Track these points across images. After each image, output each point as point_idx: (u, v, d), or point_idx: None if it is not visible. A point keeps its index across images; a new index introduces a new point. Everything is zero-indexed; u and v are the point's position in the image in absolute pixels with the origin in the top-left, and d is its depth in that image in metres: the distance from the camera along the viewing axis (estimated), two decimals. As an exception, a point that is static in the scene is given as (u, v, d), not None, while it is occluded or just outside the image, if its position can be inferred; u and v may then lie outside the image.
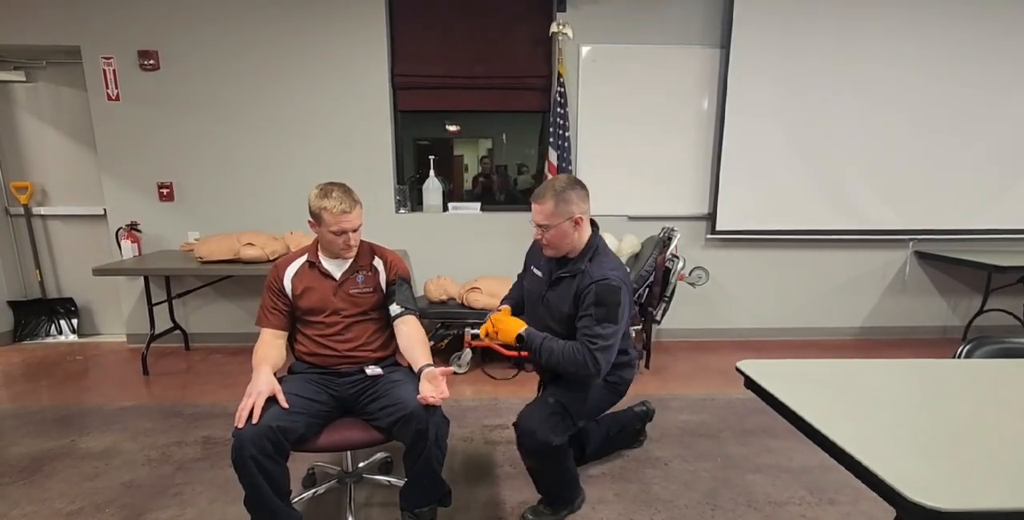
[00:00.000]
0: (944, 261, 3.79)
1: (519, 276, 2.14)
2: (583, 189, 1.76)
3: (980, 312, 3.88)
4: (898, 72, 3.60)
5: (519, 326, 1.77)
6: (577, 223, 1.73)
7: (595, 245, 1.80)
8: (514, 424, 1.80)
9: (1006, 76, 3.63)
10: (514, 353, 1.79)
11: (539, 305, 1.90)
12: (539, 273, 1.91)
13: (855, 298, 4.03)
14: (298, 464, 2.04)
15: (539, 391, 2.11)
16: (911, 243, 3.92)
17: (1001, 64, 3.62)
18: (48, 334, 3.97)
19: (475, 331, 3.26)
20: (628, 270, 1.87)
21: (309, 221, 1.77)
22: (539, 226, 1.74)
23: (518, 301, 2.06)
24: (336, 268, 1.85)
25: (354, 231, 1.76)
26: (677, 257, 3.23)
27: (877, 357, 1.43)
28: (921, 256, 3.94)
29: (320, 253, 1.86)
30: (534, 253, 1.99)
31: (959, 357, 1.48)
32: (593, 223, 1.85)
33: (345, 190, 1.74)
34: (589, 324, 1.67)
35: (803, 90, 3.61)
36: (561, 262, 1.83)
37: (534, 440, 1.72)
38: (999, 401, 1.19)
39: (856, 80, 3.60)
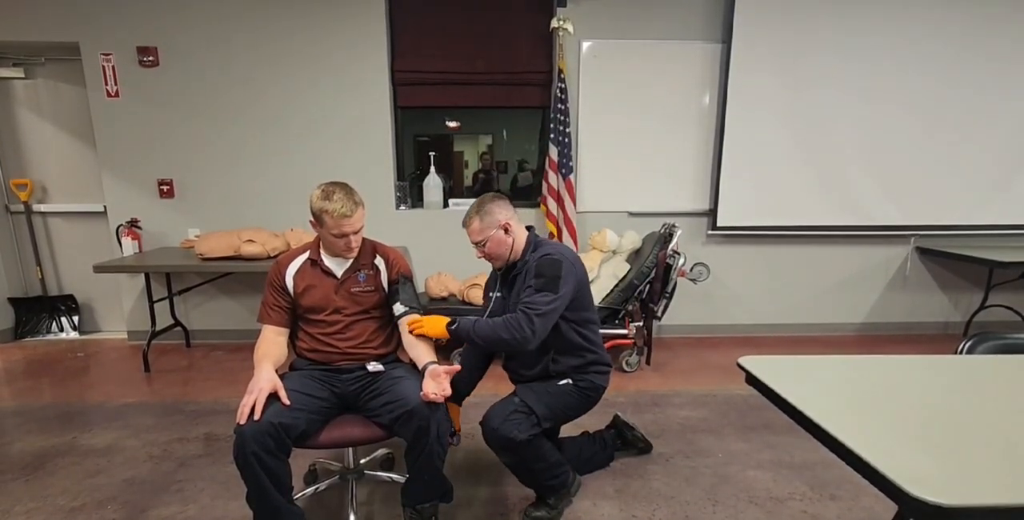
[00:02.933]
0: (945, 257, 3.79)
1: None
2: (502, 199, 1.89)
3: (981, 308, 3.88)
4: (900, 66, 3.59)
5: (444, 319, 1.80)
6: (506, 228, 1.85)
7: (533, 242, 1.91)
8: (480, 422, 1.81)
9: (1008, 71, 3.62)
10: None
11: (502, 311, 1.92)
12: (498, 294, 1.98)
13: (856, 294, 4.03)
14: (300, 461, 2.04)
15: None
16: (912, 239, 3.92)
17: (1003, 59, 3.60)
18: (49, 331, 3.98)
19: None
20: (578, 255, 1.93)
21: (311, 221, 1.77)
22: (476, 244, 1.88)
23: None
24: (338, 266, 1.85)
25: (355, 233, 1.76)
26: (678, 253, 3.23)
27: (878, 353, 1.43)
28: (922, 252, 3.94)
29: (322, 251, 1.85)
30: (489, 284, 2.06)
31: (961, 353, 1.48)
32: (529, 227, 1.96)
33: (347, 192, 1.73)
34: (529, 293, 1.76)
35: (804, 85, 3.60)
36: (510, 268, 1.93)
37: (497, 436, 1.74)
38: (1001, 397, 1.19)
39: (858, 75, 3.59)
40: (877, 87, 3.61)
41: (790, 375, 1.27)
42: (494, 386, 3.02)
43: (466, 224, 1.88)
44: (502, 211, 1.85)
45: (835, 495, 2.04)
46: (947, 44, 3.57)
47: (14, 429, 2.58)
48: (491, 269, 2.03)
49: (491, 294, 2.00)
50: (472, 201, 1.92)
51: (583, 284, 1.88)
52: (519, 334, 1.69)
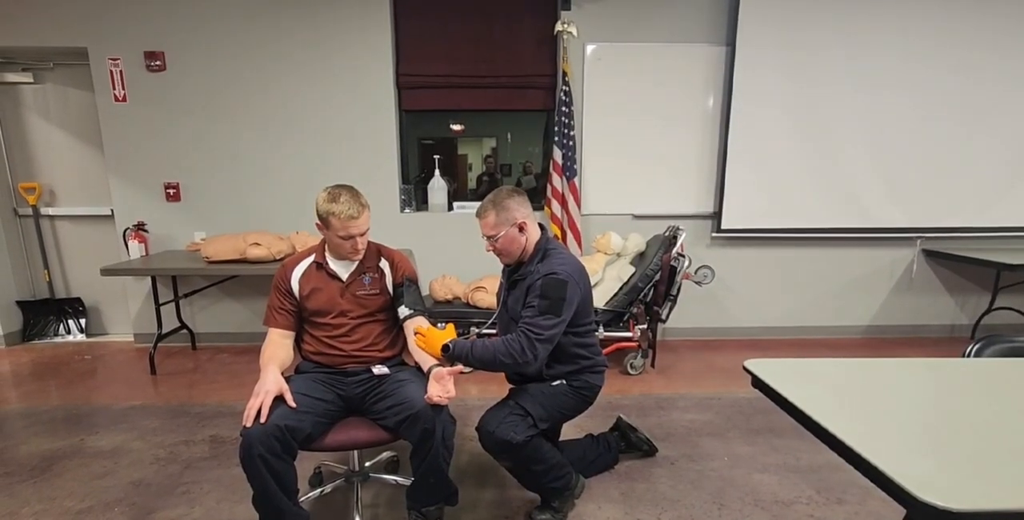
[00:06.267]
0: (952, 259, 3.77)
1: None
2: (521, 196, 1.85)
3: (988, 310, 3.86)
4: (906, 69, 3.58)
5: (446, 337, 1.74)
6: (521, 227, 1.82)
7: (544, 247, 1.86)
8: (476, 427, 1.80)
9: (1015, 72, 3.60)
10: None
11: (504, 312, 1.95)
12: (504, 283, 2.00)
13: (862, 297, 4.01)
14: (305, 463, 2.04)
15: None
16: (919, 241, 3.90)
17: (1010, 59, 3.59)
18: (56, 334, 4.00)
19: (478, 330, 3.26)
20: (583, 265, 1.89)
21: (317, 224, 1.77)
22: (488, 238, 1.84)
23: None
24: (343, 269, 1.85)
25: (362, 235, 1.77)
26: (683, 256, 3.23)
27: (885, 356, 1.42)
28: (929, 254, 3.92)
29: (327, 254, 1.86)
30: (501, 284, 2.06)
31: (968, 356, 1.47)
32: (541, 226, 1.92)
33: (353, 194, 1.74)
34: (531, 314, 1.73)
35: (810, 87, 3.59)
36: (516, 268, 1.91)
37: (493, 439, 1.73)
38: (1009, 400, 1.18)
39: (863, 77, 3.58)
40: (883, 89, 3.60)
41: (796, 378, 1.27)
42: (498, 389, 3.03)
43: (480, 216, 1.83)
44: (520, 209, 1.81)
45: (842, 499, 2.03)
46: (954, 46, 3.56)
47: (22, 431, 2.60)
48: (501, 269, 2.03)
49: (503, 281, 2.02)
50: (476, 204, 1.90)
51: (586, 297, 1.86)
52: (521, 358, 1.67)
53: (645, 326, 3.25)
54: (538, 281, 1.74)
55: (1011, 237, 3.87)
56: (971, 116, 3.66)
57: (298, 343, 1.90)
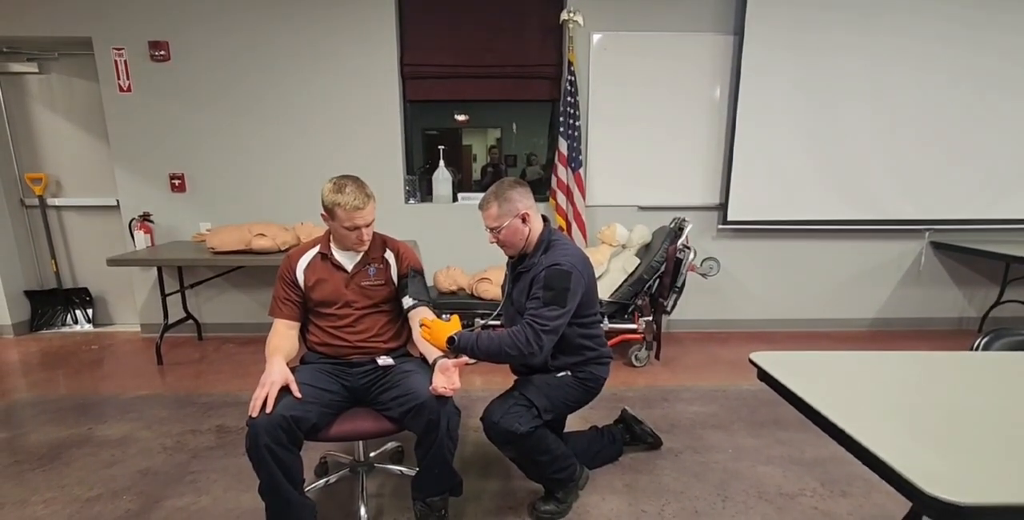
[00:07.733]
0: (960, 251, 3.74)
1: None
2: (523, 187, 1.84)
3: (997, 303, 3.84)
4: (915, 59, 3.53)
5: (451, 329, 1.74)
6: (524, 218, 1.82)
7: (547, 238, 1.86)
8: (481, 418, 1.80)
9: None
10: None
11: (509, 304, 1.95)
12: (508, 275, 2.00)
13: (869, 289, 3.99)
14: (310, 453, 2.05)
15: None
16: (927, 233, 3.86)
17: (1019, 52, 3.53)
18: (64, 324, 4.03)
19: (483, 321, 3.26)
20: (586, 256, 1.89)
21: (322, 214, 1.77)
22: (491, 230, 1.84)
23: None
24: (348, 260, 1.85)
25: (367, 226, 1.76)
26: (688, 248, 3.21)
27: (891, 349, 1.41)
28: (937, 246, 3.89)
29: (332, 245, 1.86)
30: (506, 275, 2.06)
31: (976, 349, 1.46)
32: (544, 218, 1.91)
33: (359, 184, 1.73)
34: (536, 305, 1.73)
35: (818, 77, 3.55)
36: (520, 259, 1.91)
37: (498, 430, 1.73)
38: (1017, 394, 1.17)
39: (872, 67, 3.53)
40: (892, 78, 3.55)
41: (802, 371, 1.26)
42: (503, 380, 3.04)
43: (483, 208, 1.83)
44: (522, 199, 1.81)
45: (846, 492, 2.03)
46: (963, 35, 3.51)
47: (31, 420, 2.63)
48: (506, 261, 2.02)
49: (507, 273, 2.02)
50: (481, 195, 1.89)
51: (590, 288, 1.86)
52: (527, 349, 1.67)
53: (650, 318, 3.24)
54: (542, 272, 1.75)
55: (1020, 229, 3.82)
56: (980, 108, 3.61)
57: (303, 334, 1.90)
